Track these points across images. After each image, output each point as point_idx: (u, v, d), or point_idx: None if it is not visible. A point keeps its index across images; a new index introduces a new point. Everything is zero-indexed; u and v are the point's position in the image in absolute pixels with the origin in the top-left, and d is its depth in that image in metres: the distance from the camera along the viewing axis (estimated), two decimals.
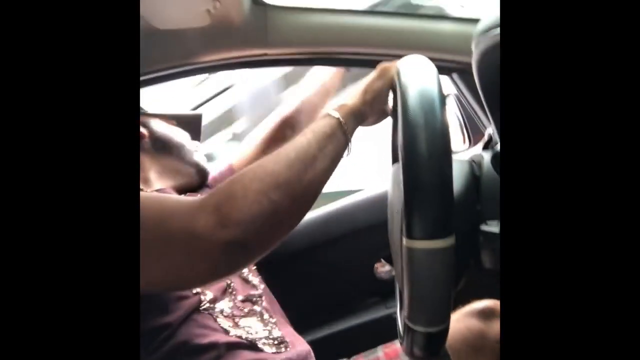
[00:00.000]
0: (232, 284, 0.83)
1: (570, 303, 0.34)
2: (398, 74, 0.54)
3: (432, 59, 0.56)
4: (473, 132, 1.27)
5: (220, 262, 0.55)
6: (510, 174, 0.37)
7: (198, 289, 0.77)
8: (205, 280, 0.61)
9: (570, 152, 0.35)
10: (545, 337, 0.35)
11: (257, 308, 0.83)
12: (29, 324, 0.36)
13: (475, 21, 0.96)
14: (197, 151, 1.00)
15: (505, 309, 0.37)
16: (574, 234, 0.35)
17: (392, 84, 0.66)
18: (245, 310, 0.81)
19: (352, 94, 0.67)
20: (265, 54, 0.99)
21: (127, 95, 0.41)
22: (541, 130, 0.36)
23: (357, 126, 0.65)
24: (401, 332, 0.61)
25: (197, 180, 0.99)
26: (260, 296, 0.86)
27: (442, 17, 0.98)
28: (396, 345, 0.90)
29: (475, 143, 1.26)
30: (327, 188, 0.62)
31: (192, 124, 1.05)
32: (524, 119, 0.37)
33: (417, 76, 0.52)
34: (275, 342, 0.79)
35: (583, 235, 0.34)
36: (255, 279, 0.90)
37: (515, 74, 0.38)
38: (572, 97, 0.35)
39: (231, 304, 0.80)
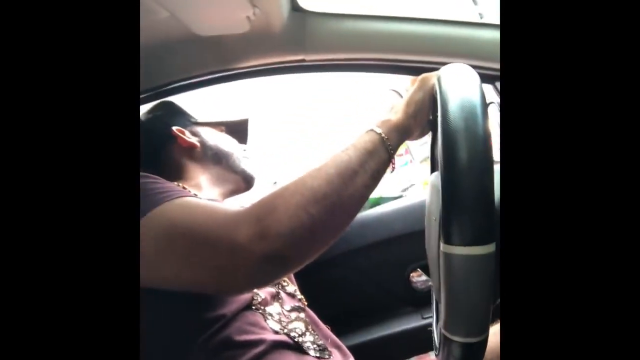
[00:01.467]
0: (280, 293, 0.85)
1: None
2: (439, 82, 0.53)
3: (475, 67, 0.55)
4: None
5: (258, 272, 0.56)
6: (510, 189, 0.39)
7: None
8: (244, 287, 0.63)
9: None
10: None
11: (302, 316, 0.84)
12: (28, 321, 0.37)
13: None
14: (245, 157, 1.03)
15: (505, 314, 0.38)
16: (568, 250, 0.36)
17: (433, 94, 0.65)
18: (293, 316, 0.83)
19: (395, 109, 0.67)
20: (304, 60, 1.00)
21: (127, 94, 0.42)
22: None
23: (402, 141, 0.65)
24: (437, 344, 0.60)
25: (244, 187, 1.02)
26: (304, 309, 0.87)
27: (485, 24, 0.96)
28: (431, 357, 0.88)
29: None
30: None
31: (240, 129, 1.08)
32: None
33: (458, 83, 0.51)
34: (320, 348, 0.80)
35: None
36: (298, 294, 0.91)
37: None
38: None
39: (280, 310, 0.81)
